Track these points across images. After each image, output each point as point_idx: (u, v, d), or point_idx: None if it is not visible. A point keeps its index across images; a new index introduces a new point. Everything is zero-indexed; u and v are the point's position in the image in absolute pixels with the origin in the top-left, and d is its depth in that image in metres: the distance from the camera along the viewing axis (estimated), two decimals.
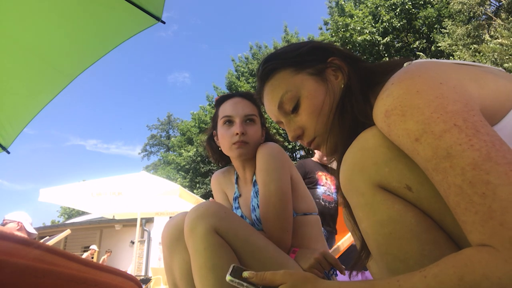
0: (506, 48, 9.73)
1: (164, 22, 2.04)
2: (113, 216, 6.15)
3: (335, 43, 0.87)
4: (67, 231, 5.20)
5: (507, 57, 9.71)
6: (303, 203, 1.27)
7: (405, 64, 0.68)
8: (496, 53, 9.87)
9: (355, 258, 0.75)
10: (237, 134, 1.26)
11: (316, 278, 0.60)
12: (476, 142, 0.46)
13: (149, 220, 10.52)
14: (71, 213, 28.86)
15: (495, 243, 0.42)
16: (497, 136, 0.47)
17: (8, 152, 2.36)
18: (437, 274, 0.46)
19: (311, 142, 0.82)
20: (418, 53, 14.44)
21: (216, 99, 1.41)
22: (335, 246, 2.25)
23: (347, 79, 0.78)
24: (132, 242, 10.60)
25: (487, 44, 10.30)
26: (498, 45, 9.86)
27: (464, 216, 0.46)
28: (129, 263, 10.02)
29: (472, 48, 10.76)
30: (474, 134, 0.47)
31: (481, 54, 10.20)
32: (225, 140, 1.30)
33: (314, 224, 1.28)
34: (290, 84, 0.79)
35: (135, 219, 5.64)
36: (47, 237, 5.18)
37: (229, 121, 1.31)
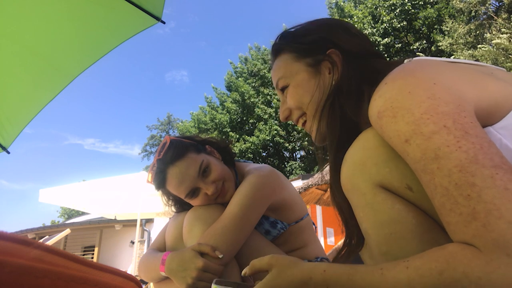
0: (507, 48, 9.71)
1: (164, 22, 2.04)
2: (115, 217, 6.15)
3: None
4: (67, 231, 5.21)
5: (503, 58, 9.70)
6: (294, 213, 1.24)
7: (405, 61, 0.68)
8: (493, 55, 9.86)
9: (340, 248, 0.76)
10: (213, 194, 1.12)
11: (299, 260, 0.63)
12: (464, 144, 0.46)
13: (149, 220, 10.52)
14: (71, 213, 28.86)
15: (477, 244, 0.43)
16: (486, 138, 0.47)
17: (8, 152, 2.36)
18: (419, 267, 0.46)
19: (298, 120, 0.87)
20: (418, 53, 14.43)
21: (153, 185, 1.19)
22: (335, 246, 2.25)
23: (338, 77, 0.78)
24: (132, 242, 10.59)
25: (485, 46, 10.29)
26: (495, 48, 9.86)
27: (448, 217, 0.46)
28: (129, 263, 10.02)
29: (467, 53, 10.75)
30: (463, 136, 0.47)
31: (481, 55, 10.19)
32: (206, 204, 1.16)
33: (305, 227, 1.27)
34: (287, 70, 0.84)
35: (135, 219, 5.63)
36: (47, 237, 5.18)
37: (193, 193, 1.13)
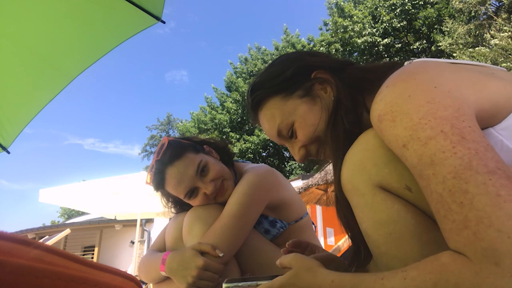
0: (506, 49, 9.71)
1: (164, 22, 2.04)
2: (115, 217, 6.15)
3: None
4: (67, 231, 5.21)
5: (502, 59, 9.70)
6: (294, 213, 1.24)
7: (406, 63, 0.68)
8: (492, 54, 9.86)
9: (350, 259, 0.76)
10: (211, 193, 1.13)
11: (318, 267, 0.63)
12: (460, 149, 0.46)
13: (149, 220, 10.52)
14: (71, 213, 28.84)
15: (468, 253, 0.42)
16: (483, 142, 0.47)
17: (8, 152, 2.36)
18: (414, 278, 0.47)
19: (319, 152, 0.84)
20: (411, 58, 14.42)
21: (152, 186, 1.20)
22: (335, 246, 2.26)
23: (336, 91, 0.79)
24: (132, 242, 10.59)
25: (486, 46, 10.30)
26: (494, 49, 9.85)
27: (443, 224, 0.46)
28: (129, 263, 10.02)
29: (468, 52, 10.75)
30: (459, 141, 0.46)
31: (481, 54, 10.19)
32: (205, 203, 1.16)
33: (305, 226, 1.27)
34: (284, 112, 0.81)
35: (135, 219, 5.63)
36: (47, 237, 5.18)
37: (192, 193, 1.14)
